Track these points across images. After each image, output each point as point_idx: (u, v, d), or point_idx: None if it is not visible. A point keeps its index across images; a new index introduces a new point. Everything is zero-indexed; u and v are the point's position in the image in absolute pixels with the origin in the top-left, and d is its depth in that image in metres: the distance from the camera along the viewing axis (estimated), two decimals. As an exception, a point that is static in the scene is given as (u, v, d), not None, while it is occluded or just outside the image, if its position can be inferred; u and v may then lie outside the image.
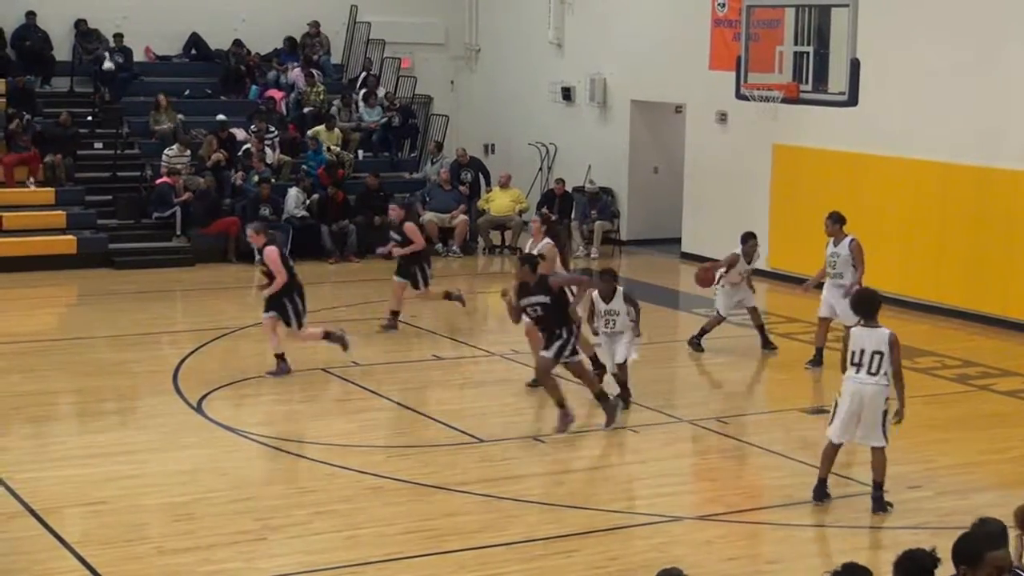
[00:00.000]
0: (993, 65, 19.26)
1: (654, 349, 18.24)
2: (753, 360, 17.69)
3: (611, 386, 14.70)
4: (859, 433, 11.47)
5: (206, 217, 23.86)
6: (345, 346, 16.50)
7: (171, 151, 24.71)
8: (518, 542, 10.90)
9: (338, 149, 26.05)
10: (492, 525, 11.29)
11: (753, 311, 17.71)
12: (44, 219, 23.46)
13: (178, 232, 23.87)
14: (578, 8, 27.25)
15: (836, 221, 16.57)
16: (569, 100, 27.44)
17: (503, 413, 14.80)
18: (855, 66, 17.17)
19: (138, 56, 27.31)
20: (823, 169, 21.76)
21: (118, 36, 26.72)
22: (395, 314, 18.67)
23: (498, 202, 25.74)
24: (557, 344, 13.67)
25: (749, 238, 17.45)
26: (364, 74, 28.39)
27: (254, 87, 27.69)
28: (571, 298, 14.25)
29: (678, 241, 25.31)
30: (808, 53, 18.03)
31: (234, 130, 25.73)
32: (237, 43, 27.87)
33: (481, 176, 26.69)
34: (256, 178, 24.55)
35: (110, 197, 24.49)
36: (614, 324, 14.61)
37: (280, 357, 16.14)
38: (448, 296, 19.14)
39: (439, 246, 25.19)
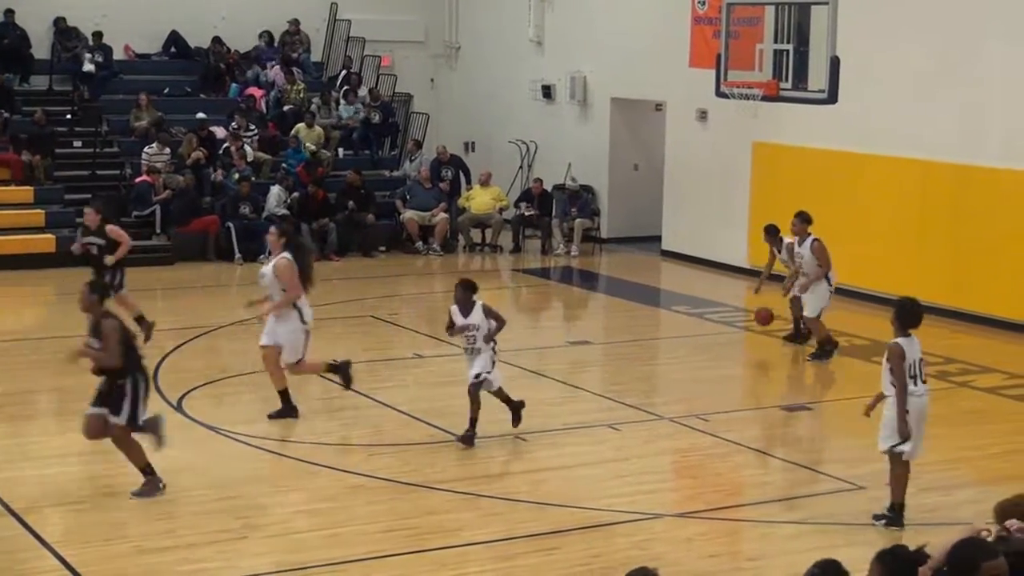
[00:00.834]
0: (973, 63, 19.32)
1: (635, 347, 18.27)
2: (733, 358, 17.71)
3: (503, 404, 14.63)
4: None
5: (186, 215, 23.80)
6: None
7: (151, 149, 24.65)
8: (499, 540, 10.90)
9: (313, 147, 25.98)
10: (473, 523, 11.29)
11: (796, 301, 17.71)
12: (23, 218, 23.38)
13: (158, 230, 23.80)
14: (558, 6, 27.25)
15: (804, 220, 16.66)
16: (549, 98, 27.43)
17: (484, 411, 14.76)
18: (835, 64, 17.21)
19: (117, 54, 27.22)
20: (803, 167, 21.80)
21: (97, 34, 26.63)
22: (140, 319, 16.97)
23: (478, 200, 25.73)
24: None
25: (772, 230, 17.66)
26: (344, 72, 28.35)
27: (234, 85, 27.63)
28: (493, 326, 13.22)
29: (658, 239, 25.33)
30: (788, 51, 18.08)
31: (214, 128, 25.66)
32: (217, 41, 27.80)
33: (461, 174, 26.67)
34: (236, 176, 24.50)
35: (89, 196, 24.35)
36: (474, 340, 13.21)
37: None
38: (139, 320, 16.88)
39: (419, 244, 25.18)
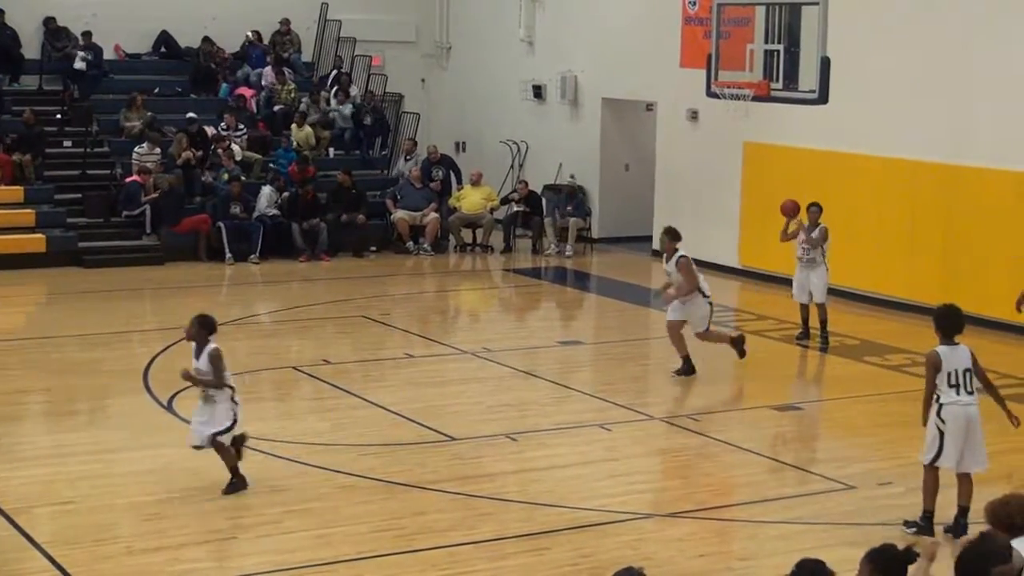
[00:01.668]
0: (962, 63, 19.34)
1: (626, 347, 18.28)
2: (724, 357, 17.72)
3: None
4: (965, 461, 11.06)
5: (176, 215, 23.76)
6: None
7: (141, 149, 24.61)
8: (489, 540, 10.90)
9: (295, 144, 25.94)
10: (463, 523, 11.28)
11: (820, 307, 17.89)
12: (13, 218, 23.31)
13: (148, 230, 23.76)
14: (549, 6, 27.26)
15: (674, 238, 16.18)
16: (540, 98, 27.44)
17: (475, 411, 14.79)
18: (825, 64, 17.21)
19: (108, 54, 27.18)
20: (793, 167, 21.81)
21: (87, 34, 26.57)
22: None
23: (469, 200, 25.72)
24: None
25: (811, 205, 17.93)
26: (335, 72, 28.34)
27: (225, 85, 27.60)
28: None
29: (649, 239, 25.31)
30: (779, 51, 18.06)
31: (206, 127, 25.63)
32: (207, 41, 27.77)
33: (452, 174, 26.65)
34: (227, 176, 24.48)
35: (79, 195, 24.37)
36: (205, 390, 11.94)
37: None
38: None
39: (410, 244, 25.17)
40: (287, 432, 13.83)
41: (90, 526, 11.06)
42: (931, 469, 11.07)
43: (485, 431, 13.88)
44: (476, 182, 26.05)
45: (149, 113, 25.79)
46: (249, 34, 28.25)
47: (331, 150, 27.11)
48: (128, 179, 24.11)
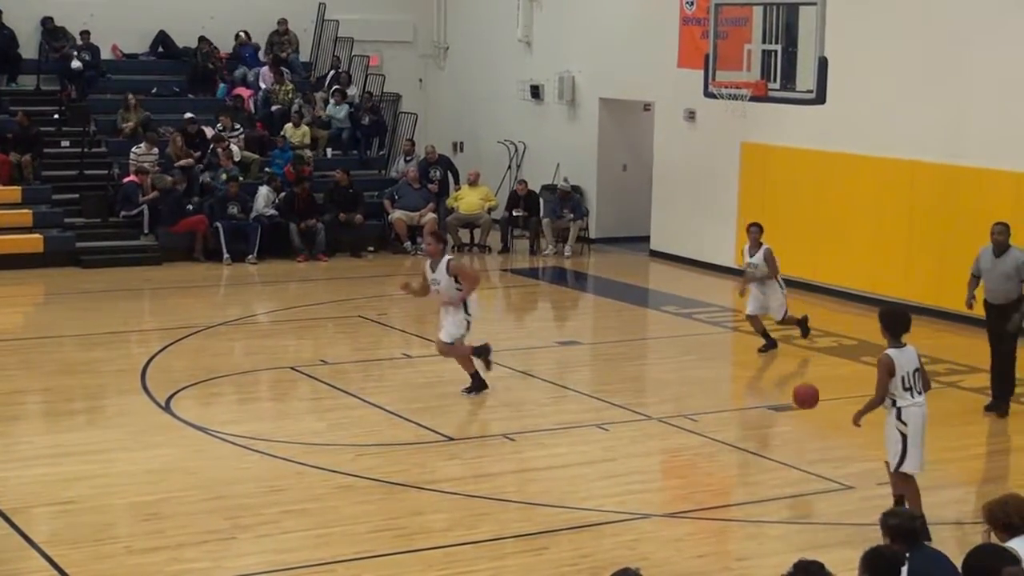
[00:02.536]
0: (960, 63, 19.35)
1: (623, 347, 18.29)
2: (722, 357, 17.74)
3: None
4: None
5: (173, 215, 23.76)
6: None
7: (139, 149, 24.61)
8: (488, 540, 10.91)
9: (290, 144, 25.93)
10: (461, 523, 11.29)
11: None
12: (10, 218, 23.32)
13: (145, 230, 23.76)
14: (547, 6, 27.26)
15: (439, 240, 15.64)
16: (538, 98, 27.45)
17: (473, 411, 14.80)
18: (823, 64, 17.20)
19: (105, 54, 27.18)
20: (792, 167, 21.83)
21: (85, 34, 26.58)
22: None
23: (467, 200, 25.72)
24: None
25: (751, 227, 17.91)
26: (333, 72, 28.34)
27: (222, 85, 27.60)
28: None
29: (647, 239, 25.35)
30: (776, 51, 18.05)
31: (205, 128, 25.64)
32: (205, 41, 27.76)
33: (450, 174, 26.66)
34: (224, 176, 24.48)
35: (77, 195, 24.37)
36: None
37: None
38: None
39: (408, 244, 25.17)
40: (285, 432, 13.84)
41: (89, 526, 11.06)
42: (903, 475, 10.98)
43: (483, 431, 13.89)
44: (474, 182, 26.06)
45: (146, 113, 25.79)
46: (241, 34, 28.24)
47: (329, 150, 27.12)
48: (125, 179, 24.11)
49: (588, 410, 14.93)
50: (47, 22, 26.80)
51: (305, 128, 26.40)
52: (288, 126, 26.31)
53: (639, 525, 11.39)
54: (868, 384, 15.61)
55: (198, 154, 25.08)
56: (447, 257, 15.04)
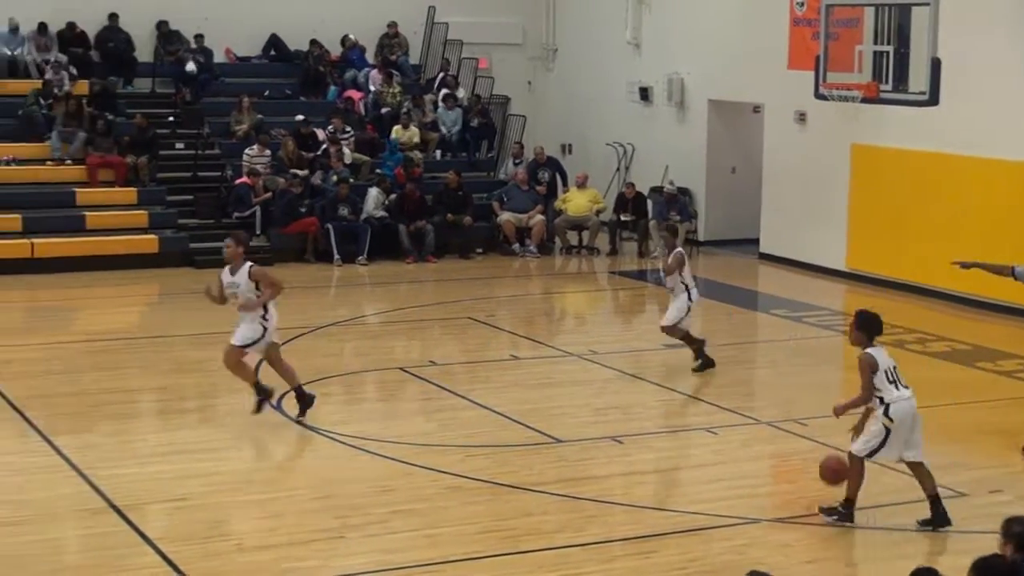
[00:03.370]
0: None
1: (732, 350, 18.17)
2: (832, 361, 17.57)
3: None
4: (910, 451, 11.27)
5: (285, 217, 24.02)
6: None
7: (251, 151, 24.91)
8: (596, 542, 10.91)
9: (398, 146, 26.06)
10: (570, 525, 11.29)
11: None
12: (127, 219, 23.72)
13: (258, 232, 24.02)
14: (656, 8, 27.19)
15: (239, 243, 14.08)
16: (646, 100, 27.38)
17: (580, 413, 14.80)
18: (936, 65, 17.01)
19: (218, 57, 27.55)
20: (903, 169, 21.57)
21: (199, 37, 26.96)
22: None
23: (575, 202, 25.72)
24: None
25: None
26: (442, 74, 28.48)
27: (333, 87, 27.85)
28: None
29: (756, 242, 25.19)
30: (888, 52, 17.89)
31: (316, 130, 25.90)
32: (316, 44, 28.02)
33: (558, 176, 26.67)
34: (335, 178, 24.70)
35: (191, 197, 24.72)
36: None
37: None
38: None
39: (516, 246, 25.22)
40: (393, 432, 13.93)
41: (201, 523, 11.22)
42: (861, 461, 11.22)
43: (591, 433, 13.88)
44: (582, 184, 26.05)
45: (258, 115, 26.10)
46: (350, 37, 28.46)
47: (438, 152, 27.24)
48: (238, 181, 24.41)
49: (696, 413, 14.88)
50: (162, 26, 27.21)
51: (414, 130, 26.54)
52: (397, 127, 26.47)
53: (748, 530, 11.32)
54: (983, 390, 15.43)
55: (311, 156, 25.32)
56: (248, 264, 14.24)
